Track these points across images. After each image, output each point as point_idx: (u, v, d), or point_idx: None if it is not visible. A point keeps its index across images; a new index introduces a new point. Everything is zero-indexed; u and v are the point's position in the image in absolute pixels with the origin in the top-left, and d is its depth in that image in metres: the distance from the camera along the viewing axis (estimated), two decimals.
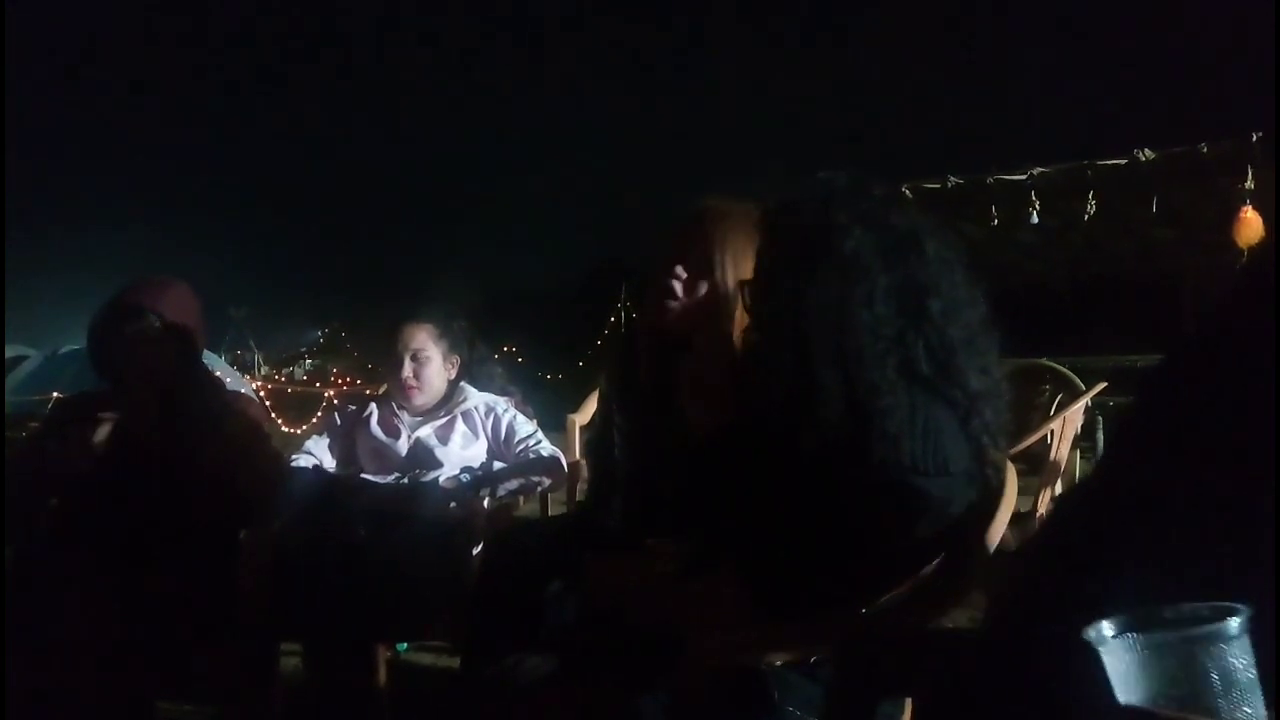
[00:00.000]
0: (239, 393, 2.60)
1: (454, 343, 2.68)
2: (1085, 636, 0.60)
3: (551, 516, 2.51)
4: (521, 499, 2.67)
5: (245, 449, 2.29)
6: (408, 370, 2.59)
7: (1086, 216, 7.27)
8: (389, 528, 2.30)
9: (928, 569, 1.29)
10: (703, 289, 1.67)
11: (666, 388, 1.71)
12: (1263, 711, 0.57)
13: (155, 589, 1.97)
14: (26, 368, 10.05)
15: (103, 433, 2.17)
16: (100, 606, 1.93)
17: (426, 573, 2.22)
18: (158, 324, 2.21)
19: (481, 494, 2.48)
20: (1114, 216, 7.64)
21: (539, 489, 2.59)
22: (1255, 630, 0.58)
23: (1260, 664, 0.59)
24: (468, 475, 2.49)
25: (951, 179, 7.72)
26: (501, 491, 2.51)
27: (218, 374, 3.05)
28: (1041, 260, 9.57)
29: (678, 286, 1.68)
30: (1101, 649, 0.59)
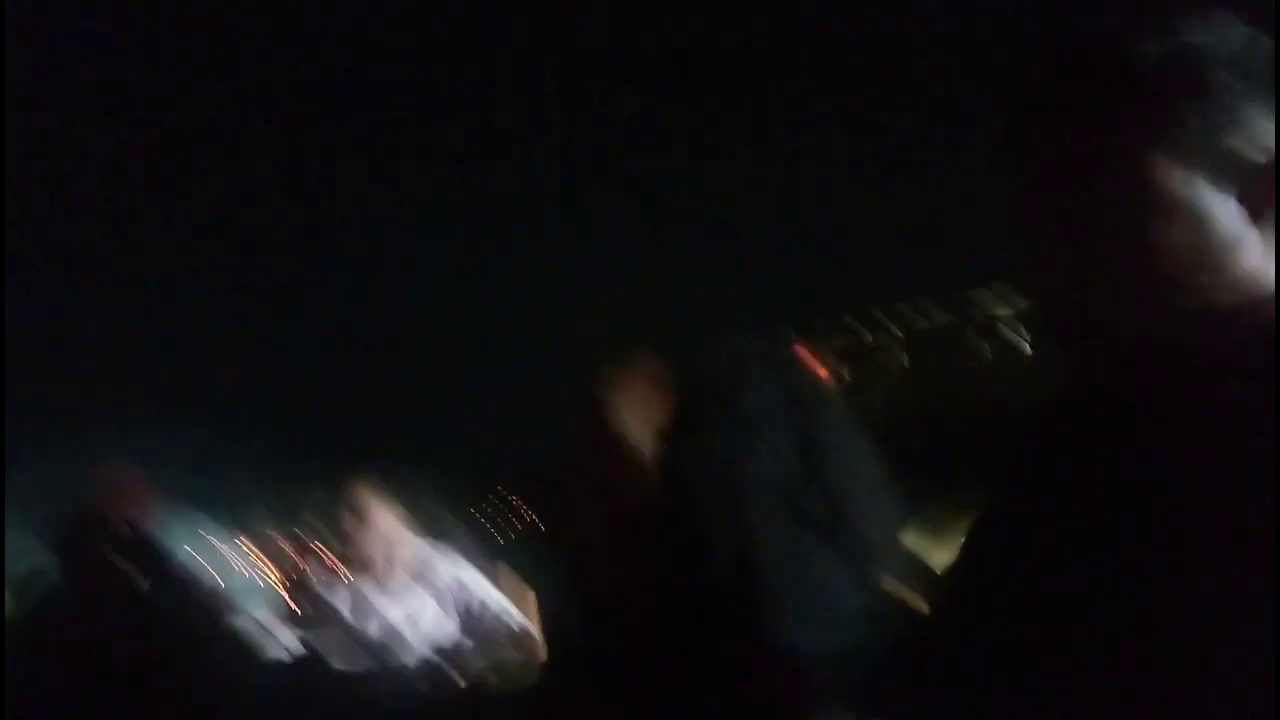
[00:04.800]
0: (207, 586, 2.61)
1: (416, 509, 2.71)
2: None
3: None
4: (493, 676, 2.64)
5: (221, 649, 2.29)
6: (375, 551, 2.61)
7: None
8: (355, 716, 2.27)
9: None
10: (618, 459, 1.73)
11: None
12: None
13: None
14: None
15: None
16: None
17: None
18: (127, 535, 2.24)
19: (451, 673, 2.46)
20: None
21: (511, 666, 2.57)
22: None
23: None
24: (438, 656, 2.48)
25: (941, 316, 7.87)
26: (472, 670, 2.49)
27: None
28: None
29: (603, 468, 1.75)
30: None
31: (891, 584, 1.35)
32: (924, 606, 1.42)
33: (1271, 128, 0.80)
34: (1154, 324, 0.80)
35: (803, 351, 1.67)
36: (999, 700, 0.81)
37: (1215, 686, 0.65)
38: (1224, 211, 0.79)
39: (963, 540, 1.07)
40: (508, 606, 2.64)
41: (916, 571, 1.41)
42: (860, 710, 1.07)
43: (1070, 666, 0.74)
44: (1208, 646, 0.66)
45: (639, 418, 1.79)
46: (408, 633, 2.53)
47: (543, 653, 2.59)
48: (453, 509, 2.94)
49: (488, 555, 2.93)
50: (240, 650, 2.46)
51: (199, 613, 2.38)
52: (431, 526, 2.74)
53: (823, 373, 1.58)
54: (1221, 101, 0.79)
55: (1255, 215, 0.79)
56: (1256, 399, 0.69)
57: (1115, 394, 0.82)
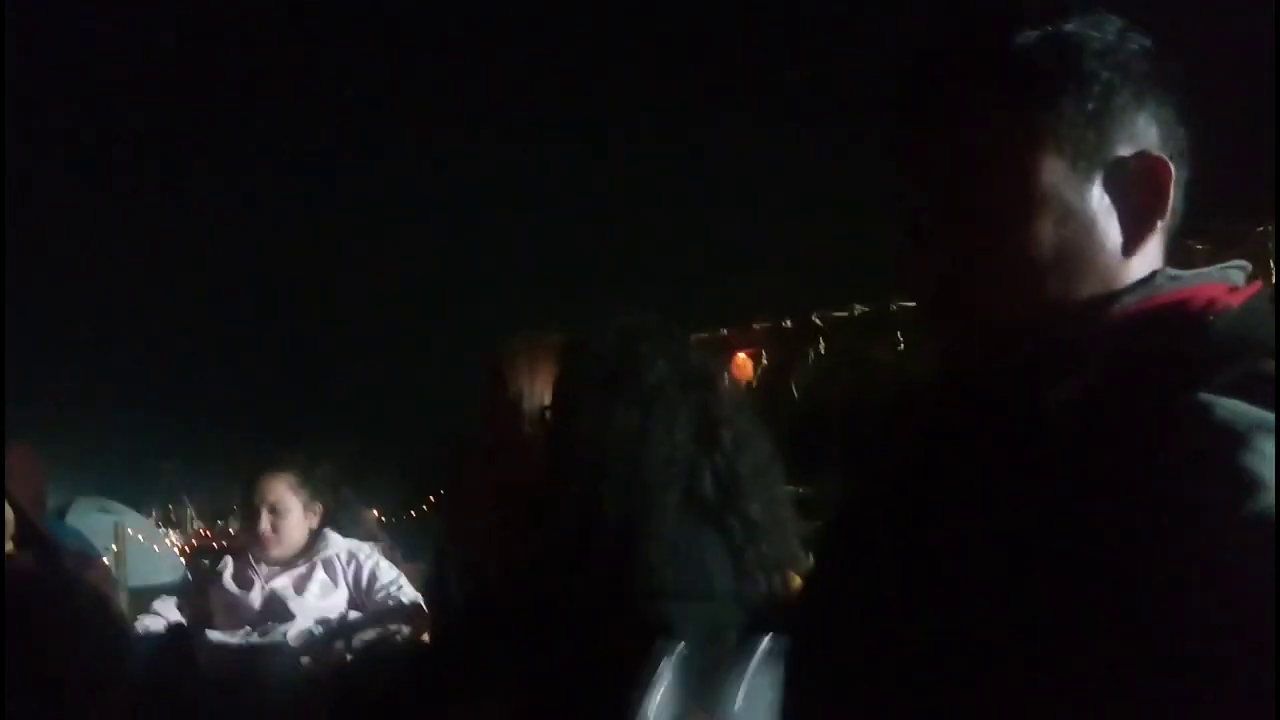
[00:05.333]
0: (82, 557, 2.53)
1: (315, 491, 2.65)
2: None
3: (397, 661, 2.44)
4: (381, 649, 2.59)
5: (83, 618, 2.22)
6: (264, 523, 2.54)
7: None
8: (233, 689, 2.22)
9: None
10: (511, 430, 1.72)
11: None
12: None
13: None
14: None
15: None
16: None
17: None
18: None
19: (336, 646, 2.41)
20: None
21: (398, 638, 2.53)
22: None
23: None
24: (321, 628, 2.43)
25: (858, 307, 7.97)
26: (357, 643, 2.45)
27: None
28: None
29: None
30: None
31: (771, 567, 1.36)
32: (797, 590, 1.44)
33: (1145, 120, 0.81)
34: (1023, 314, 0.80)
35: (704, 336, 1.67)
36: (858, 691, 0.81)
37: (1077, 669, 0.65)
38: (1094, 203, 0.80)
39: (831, 528, 1.07)
40: (398, 579, 2.59)
41: (798, 556, 1.42)
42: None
43: (941, 657, 0.74)
44: (1066, 620, 0.66)
45: (533, 391, 1.78)
46: (295, 605, 2.47)
47: (430, 625, 2.56)
48: (347, 481, 2.88)
49: (381, 527, 2.88)
50: (121, 625, 2.40)
51: (78, 588, 2.30)
52: (325, 499, 2.68)
53: (728, 358, 1.59)
54: (1094, 93, 0.79)
55: (1125, 207, 0.80)
56: (1116, 387, 0.70)
57: (984, 380, 0.83)
